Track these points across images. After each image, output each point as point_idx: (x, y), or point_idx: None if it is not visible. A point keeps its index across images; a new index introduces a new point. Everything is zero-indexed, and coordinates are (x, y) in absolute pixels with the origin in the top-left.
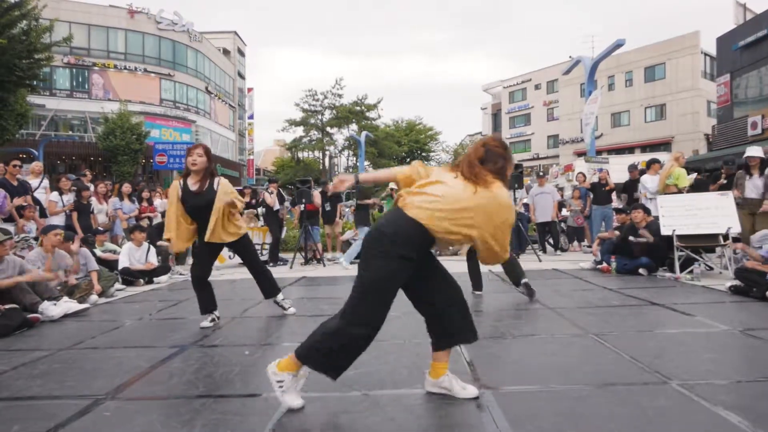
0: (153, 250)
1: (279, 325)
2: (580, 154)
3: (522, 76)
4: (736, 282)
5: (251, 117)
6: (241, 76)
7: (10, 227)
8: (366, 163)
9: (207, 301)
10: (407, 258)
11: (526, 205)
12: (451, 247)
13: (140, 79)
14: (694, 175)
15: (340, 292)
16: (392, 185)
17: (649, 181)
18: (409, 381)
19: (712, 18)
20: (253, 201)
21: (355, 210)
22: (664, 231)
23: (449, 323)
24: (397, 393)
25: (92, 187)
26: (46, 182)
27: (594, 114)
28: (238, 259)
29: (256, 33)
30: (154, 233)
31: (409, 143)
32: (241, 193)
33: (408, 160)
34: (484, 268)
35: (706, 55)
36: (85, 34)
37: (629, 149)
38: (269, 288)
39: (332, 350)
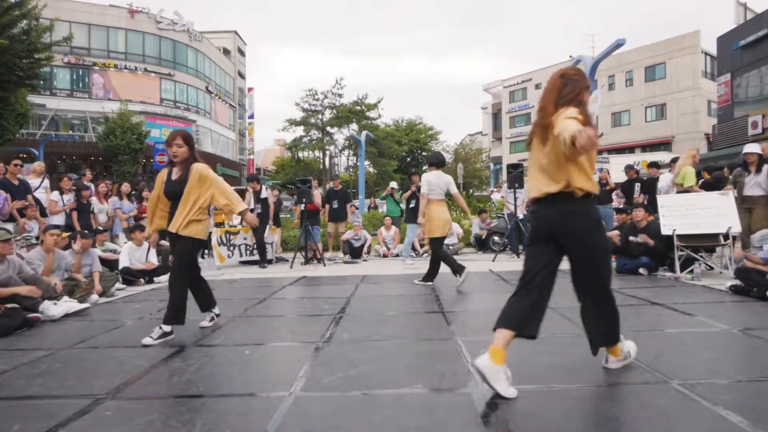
0: (153, 249)
1: (280, 324)
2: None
3: (522, 76)
4: (737, 282)
5: (251, 117)
6: (242, 75)
7: (11, 227)
8: (366, 162)
9: (204, 300)
10: None
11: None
12: (451, 247)
13: (140, 79)
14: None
15: (341, 291)
16: (393, 184)
17: (667, 179)
18: (410, 380)
19: (712, 17)
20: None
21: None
22: (665, 231)
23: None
24: (398, 393)
25: (92, 187)
26: (46, 182)
27: (594, 114)
28: (237, 258)
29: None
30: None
31: (410, 143)
32: (242, 192)
33: (408, 159)
34: (484, 268)
35: (706, 54)
36: (85, 34)
37: (629, 149)
38: (205, 300)
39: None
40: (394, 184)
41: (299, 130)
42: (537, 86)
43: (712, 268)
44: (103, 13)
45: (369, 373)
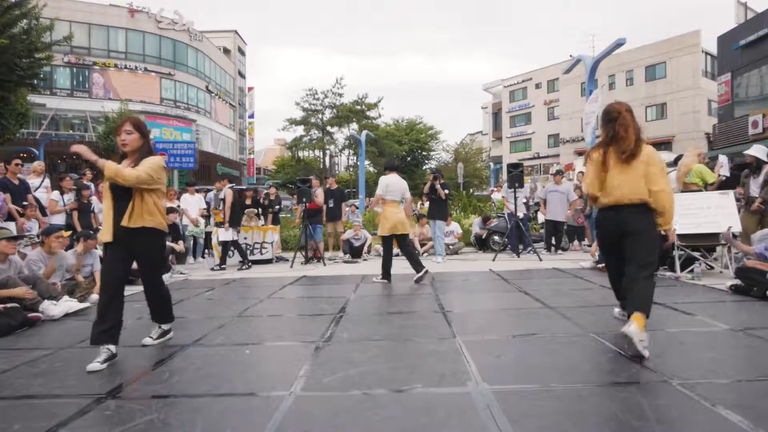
0: None
1: (280, 324)
2: (580, 153)
3: (522, 75)
4: (737, 281)
5: (252, 116)
6: (242, 75)
7: (11, 225)
8: (366, 162)
9: (109, 322)
10: None
11: (527, 206)
12: (451, 246)
13: (141, 78)
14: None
15: (341, 291)
16: None
17: (673, 178)
18: (410, 380)
19: (713, 17)
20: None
21: (430, 204)
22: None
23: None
24: (398, 392)
25: (93, 187)
26: (47, 181)
27: (595, 113)
28: (237, 258)
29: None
30: None
31: (410, 142)
32: (243, 193)
33: (408, 159)
34: (483, 267)
35: (707, 54)
36: (85, 34)
37: None
38: (163, 313)
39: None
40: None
41: (299, 130)
42: (537, 86)
43: (712, 268)
44: (104, 13)
45: (369, 372)
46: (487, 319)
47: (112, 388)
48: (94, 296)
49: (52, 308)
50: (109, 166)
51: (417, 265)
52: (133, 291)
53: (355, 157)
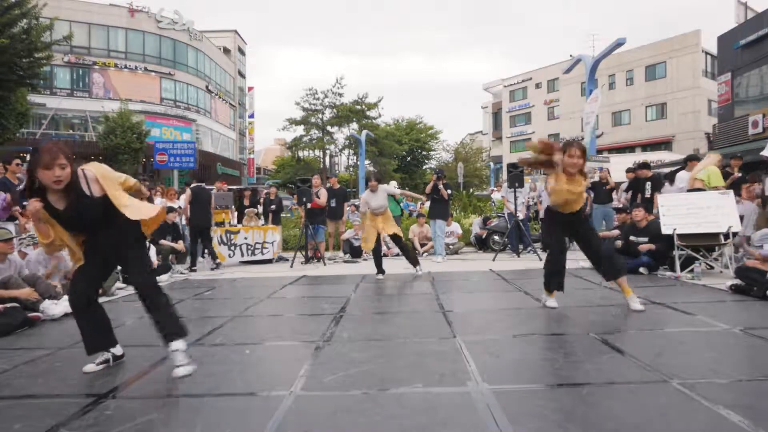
0: (153, 249)
1: (280, 323)
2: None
3: (522, 75)
4: (737, 281)
5: (252, 116)
6: (242, 75)
7: (12, 226)
8: (366, 161)
9: (97, 334)
10: None
11: (528, 206)
12: (451, 246)
13: (141, 78)
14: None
15: (341, 291)
16: (394, 184)
17: (684, 178)
18: (410, 379)
19: (713, 17)
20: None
21: (431, 204)
22: (665, 230)
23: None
24: (398, 392)
25: None
26: None
27: (595, 113)
28: (238, 257)
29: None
30: (156, 232)
31: (410, 142)
32: (242, 193)
33: (408, 159)
34: (484, 267)
35: (707, 53)
36: (85, 33)
37: (630, 148)
38: (170, 326)
39: None
40: (394, 183)
41: (299, 130)
42: (537, 86)
43: (712, 268)
44: (104, 13)
45: (369, 372)
46: (487, 318)
47: (112, 387)
48: None
49: (53, 308)
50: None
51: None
52: (134, 290)
53: (355, 157)
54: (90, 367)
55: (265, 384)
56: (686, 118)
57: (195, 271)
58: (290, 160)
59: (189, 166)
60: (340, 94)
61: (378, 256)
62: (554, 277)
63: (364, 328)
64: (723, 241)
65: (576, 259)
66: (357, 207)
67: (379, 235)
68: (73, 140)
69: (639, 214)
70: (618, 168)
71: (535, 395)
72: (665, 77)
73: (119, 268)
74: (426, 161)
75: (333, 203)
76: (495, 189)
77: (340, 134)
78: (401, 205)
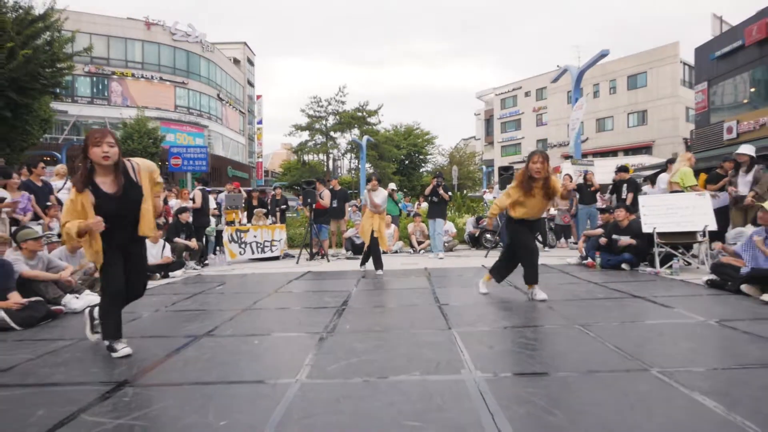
0: (168, 246)
1: (287, 316)
2: (567, 157)
3: (513, 84)
4: (713, 276)
5: (260, 122)
6: (251, 84)
7: (37, 226)
8: (367, 165)
9: (119, 323)
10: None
11: None
12: (446, 243)
13: (156, 87)
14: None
15: (343, 285)
16: (392, 186)
17: (665, 179)
18: (408, 368)
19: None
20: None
21: (429, 204)
22: (646, 229)
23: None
24: (397, 379)
25: None
26: (69, 184)
27: (580, 119)
28: (248, 255)
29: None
30: (171, 231)
31: (408, 147)
32: (250, 194)
33: (407, 162)
34: (476, 263)
35: (685, 64)
36: (104, 45)
37: (613, 152)
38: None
39: None
40: (393, 186)
41: (305, 135)
42: (526, 94)
43: (689, 264)
44: (122, 26)
45: (370, 361)
46: (479, 311)
47: (129, 376)
48: None
49: (75, 302)
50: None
51: (378, 263)
52: (151, 285)
53: (356, 161)
54: (124, 351)
55: (273, 372)
56: (665, 125)
57: (207, 265)
58: (296, 164)
59: (201, 169)
60: (343, 102)
61: (374, 253)
62: (531, 267)
63: (365, 320)
64: (699, 239)
65: (563, 256)
66: (358, 207)
67: (373, 232)
68: None
69: (621, 214)
70: (602, 171)
71: (524, 382)
72: (646, 86)
73: None
74: (423, 165)
75: (335, 203)
76: (487, 190)
77: (343, 139)
78: (399, 205)
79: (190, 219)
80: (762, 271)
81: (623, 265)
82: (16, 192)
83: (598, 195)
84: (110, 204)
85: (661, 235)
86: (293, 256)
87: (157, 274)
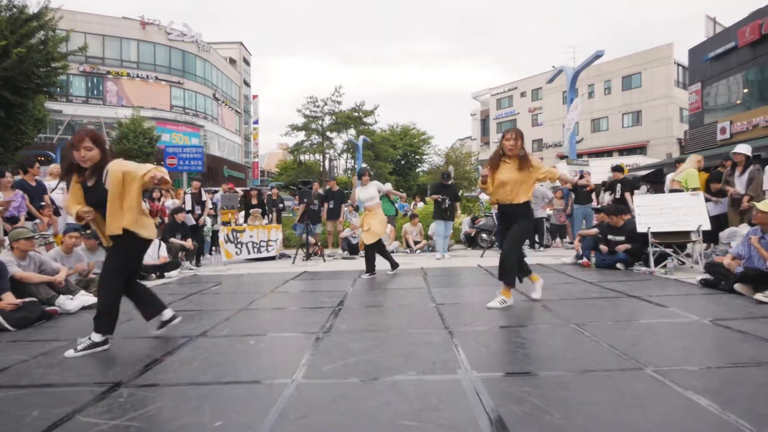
0: (164, 246)
1: (283, 316)
2: (562, 157)
3: (508, 85)
4: (706, 275)
5: (256, 122)
6: (247, 84)
7: (29, 225)
8: (363, 165)
9: (147, 306)
10: None
11: None
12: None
13: (152, 87)
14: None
15: (339, 285)
16: (388, 185)
17: (671, 178)
18: (404, 368)
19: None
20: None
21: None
22: (640, 228)
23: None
24: (393, 379)
25: None
26: (63, 184)
27: (575, 120)
28: (245, 255)
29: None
30: (167, 231)
31: (404, 147)
32: (248, 194)
33: (403, 162)
34: (473, 263)
35: (679, 65)
36: (99, 44)
37: (608, 152)
38: (151, 305)
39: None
40: (389, 185)
41: (301, 135)
42: (522, 94)
43: (683, 263)
44: (117, 25)
45: (366, 361)
46: (475, 311)
47: (125, 377)
48: None
49: (69, 303)
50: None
51: (371, 267)
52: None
53: (353, 161)
54: (69, 353)
55: (269, 372)
56: (660, 125)
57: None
58: (292, 164)
59: (197, 169)
60: (339, 102)
61: (383, 253)
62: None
63: (361, 320)
64: (693, 239)
65: (558, 256)
66: (355, 207)
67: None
68: None
69: (613, 218)
70: (597, 171)
71: (520, 382)
72: (640, 87)
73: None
74: (419, 165)
75: (332, 204)
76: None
77: (339, 139)
78: (396, 205)
79: (185, 219)
80: (755, 270)
81: (618, 265)
82: (9, 191)
83: (593, 195)
84: (90, 198)
85: (655, 234)
86: (289, 256)
87: (153, 275)
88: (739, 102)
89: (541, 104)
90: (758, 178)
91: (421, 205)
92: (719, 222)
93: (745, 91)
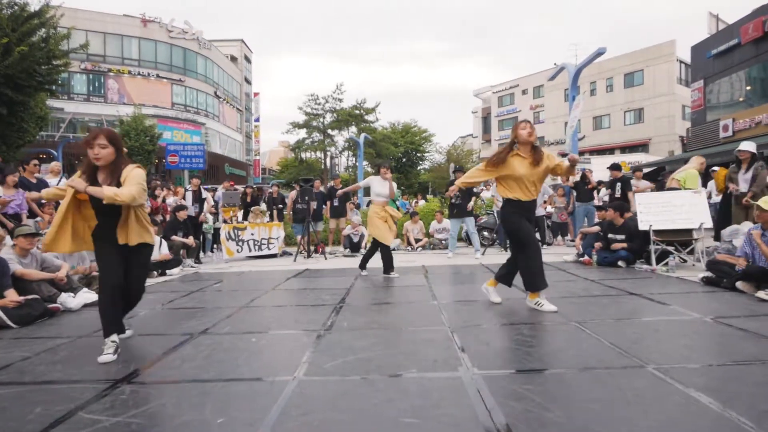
0: (165, 243)
1: (284, 314)
2: (564, 155)
3: (510, 82)
4: (708, 273)
5: (257, 120)
6: (248, 81)
7: (31, 222)
8: (365, 162)
9: (119, 317)
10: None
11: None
12: (443, 241)
13: (153, 84)
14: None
15: (341, 283)
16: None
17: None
18: (405, 365)
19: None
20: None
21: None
22: (642, 226)
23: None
24: (394, 377)
25: None
26: (64, 180)
27: (577, 118)
28: (246, 253)
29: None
30: (168, 229)
31: (405, 144)
32: (246, 192)
33: (404, 160)
34: (475, 262)
35: (681, 62)
36: (101, 42)
37: (610, 150)
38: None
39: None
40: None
41: (302, 133)
42: (524, 92)
43: (685, 261)
44: (118, 23)
45: (367, 358)
46: (477, 309)
47: (127, 373)
48: None
49: (71, 300)
50: (107, 193)
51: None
52: (148, 283)
53: (354, 158)
54: (106, 358)
55: (270, 370)
56: (662, 123)
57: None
58: (293, 161)
59: (198, 167)
60: (340, 100)
61: (386, 252)
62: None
63: (363, 317)
64: (695, 237)
65: (559, 254)
66: (356, 205)
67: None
68: None
69: (610, 213)
70: (599, 169)
71: (521, 379)
72: (642, 84)
73: None
74: (420, 162)
75: (336, 202)
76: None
77: (340, 137)
78: (397, 203)
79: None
80: (757, 268)
81: (619, 263)
82: (11, 189)
83: (595, 192)
84: (99, 201)
85: (657, 232)
86: (291, 254)
87: (155, 272)
88: (741, 99)
89: (543, 101)
90: (762, 175)
91: (422, 203)
92: (723, 218)
93: (748, 88)
